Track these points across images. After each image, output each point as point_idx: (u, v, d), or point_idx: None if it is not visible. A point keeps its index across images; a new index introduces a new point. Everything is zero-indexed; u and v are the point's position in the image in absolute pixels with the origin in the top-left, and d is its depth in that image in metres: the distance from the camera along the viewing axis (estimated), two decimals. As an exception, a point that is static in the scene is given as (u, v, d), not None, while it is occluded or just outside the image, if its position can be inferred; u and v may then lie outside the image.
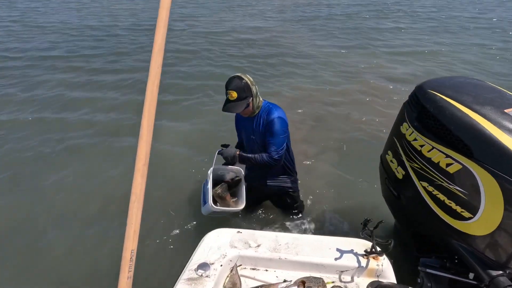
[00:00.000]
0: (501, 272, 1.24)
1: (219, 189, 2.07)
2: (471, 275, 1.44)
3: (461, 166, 1.25)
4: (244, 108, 1.85)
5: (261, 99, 1.96)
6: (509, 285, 1.17)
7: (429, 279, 1.50)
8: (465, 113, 1.24)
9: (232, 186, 2.19)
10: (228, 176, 2.19)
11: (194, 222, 2.43)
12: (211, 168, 2.01)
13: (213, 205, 1.92)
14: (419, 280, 1.55)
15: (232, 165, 2.07)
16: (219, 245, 1.30)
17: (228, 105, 1.85)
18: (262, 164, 1.92)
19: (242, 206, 2.04)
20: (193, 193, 2.68)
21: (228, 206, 2.09)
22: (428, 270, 1.47)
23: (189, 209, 2.56)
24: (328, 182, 2.84)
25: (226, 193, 2.11)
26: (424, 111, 1.42)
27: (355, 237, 1.33)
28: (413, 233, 1.72)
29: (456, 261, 1.47)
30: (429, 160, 1.39)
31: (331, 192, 2.72)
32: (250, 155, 1.97)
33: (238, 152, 2.00)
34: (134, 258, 0.73)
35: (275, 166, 1.96)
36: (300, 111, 4.24)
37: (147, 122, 0.78)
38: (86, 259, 2.17)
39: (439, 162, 1.34)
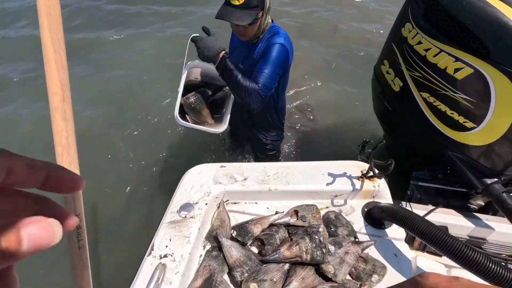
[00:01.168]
0: (495, 179, 1.21)
1: (191, 98, 1.57)
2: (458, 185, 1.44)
3: (472, 71, 1.08)
4: (248, 22, 1.31)
5: (270, 19, 1.47)
6: (504, 191, 1.15)
7: (419, 191, 1.50)
8: (488, 2, 1.00)
9: (217, 100, 1.68)
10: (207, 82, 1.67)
11: (172, 159, 2.25)
12: (187, 65, 1.49)
13: (178, 117, 1.47)
14: (408, 193, 1.55)
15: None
16: (201, 183, 1.17)
17: (228, 11, 1.29)
18: (242, 94, 1.38)
19: (221, 128, 1.56)
20: (167, 122, 2.42)
21: (204, 122, 1.62)
22: (420, 183, 1.44)
23: (165, 143, 2.34)
24: (318, 105, 2.65)
25: (203, 105, 1.60)
26: (433, 5, 1.16)
27: (348, 159, 1.23)
28: (406, 148, 1.66)
29: (448, 172, 1.44)
30: (434, 67, 1.20)
31: (322, 116, 2.56)
32: (235, 70, 1.35)
33: (223, 52, 1.34)
34: (83, 222, 0.53)
35: (254, 107, 1.43)
36: (281, 20, 3.72)
37: (50, 35, 0.49)
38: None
39: (446, 68, 1.16)
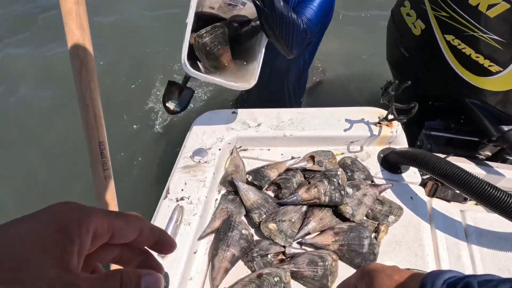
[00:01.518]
0: (512, 126, 1.19)
1: (206, 36, 1.04)
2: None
3: (508, 6, 0.99)
4: None
5: None
6: (520, 138, 1.14)
7: (429, 141, 1.48)
8: None
9: (242, 39, 1.15)
10: (231, 13, 1.15)
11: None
12: None
13: (187, 64, 0.98)
14: (418, 143, 1.54)
15: None
16: (213, 129, 1.13)
17: None
18: (284, 28, 1.01)
19: (247, 84, 1.04)
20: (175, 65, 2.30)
21: (223, 71, 1.11)
22: (432, 133, 1.42)
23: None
24: (327, 57, 2.51)
25: (222, 47, 1.07)
26: None
27: (365, 105, 1.18)
28: (420, 97, 1.61)
29: (461, 121, 1.41)
30: (463, 4, 1.10)
31: (331, 68, 2.43)
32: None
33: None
34: (106, 152, 0.49)
35: (295, 49, 1.10)
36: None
37: None
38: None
39: (478, 4, 1.06)
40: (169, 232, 0.86)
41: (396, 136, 1.12)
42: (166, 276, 0.81)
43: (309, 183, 0.97)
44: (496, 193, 0.78)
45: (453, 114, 1.43)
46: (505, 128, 1.20)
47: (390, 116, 1.06)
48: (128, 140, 2.01)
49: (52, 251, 0.19)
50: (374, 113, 1.15)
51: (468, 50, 1.17)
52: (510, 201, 0.77)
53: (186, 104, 1.20)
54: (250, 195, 0.99)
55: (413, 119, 1.61)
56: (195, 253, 0.90)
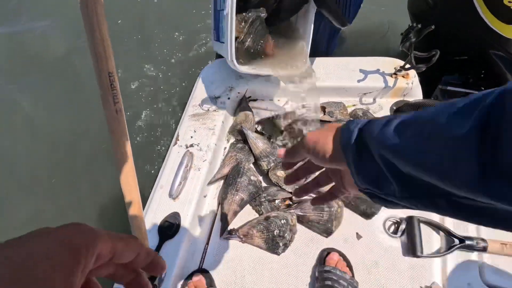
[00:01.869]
0: (537, 79, 1.13)
1: (246, 39, 0.91)
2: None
3: None
4: None
5: None
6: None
7: (444, 96, 1.43)
8: None
9: (282, 11, 0.92)
10: None
11: (189, 54, 2.13)
12: None
13: (237, 65, 0.87)
14: (432, 98, 1.49)
15: None
16: (223, 78, 1.10)
17: None
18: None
19: (302, 67, 0.93)
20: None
21: (270, 58, 0.95)
22: (449, 88, 1.36)
23: (182, 38, 2.19)
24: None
25: (265, 39, 0.93)
26: None
27: (379, 55, 1.12)
28: (441, 49, 1.52)
29: (482, 75, 1.35)
30: None
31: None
32: None
33: None
34: (116, 84, 0.48)
35: (352, 21, 1.01)
36: None
37: None
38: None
39: None
40: (179, 176, 0.89)
41: (412, 88, 1.08)
42: (178, 215, 0.85)
43: (319, 133, 0.97)
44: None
45: (474, 68, 1.36)
46: (528, 80, 1.14)
47: (408, 66, 1.01)
48: (139, 86, 1.99)
49: (61, 270, 0.21)
50: (391, 63, 1.10)
51: (500, -6, 1.07)
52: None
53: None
54: (259, 143, 0.99)
55: (430, 74, 1.55)
56: (205, 197, 0.94)
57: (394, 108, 1.09)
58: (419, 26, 0.92)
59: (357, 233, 0.88)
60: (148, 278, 0.77)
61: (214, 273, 0.84)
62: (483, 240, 0.83)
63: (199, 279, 0.79)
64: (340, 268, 0.78)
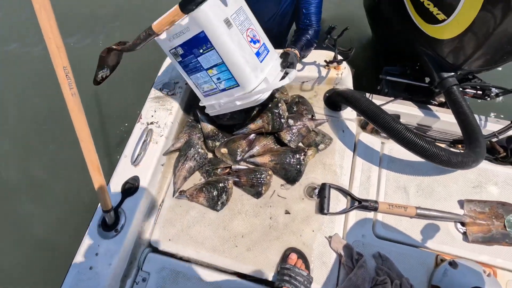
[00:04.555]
0: (452, 73, 1.31)
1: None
2: (427, 80, 1.55)
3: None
4: None
5: None
6: (455, 84, 1.27)
7: (388, 86, 1.62)
8: None
9: None
10: None
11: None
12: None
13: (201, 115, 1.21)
14: (378, 87, 1.68)
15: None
16: (182, 65, 1.28)
17: None
18: (307, 52, 1.22)
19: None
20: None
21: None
22: (388, 77, 1.55)
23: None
24: None
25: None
26: None
27: (318, 49, 1.30)
28: (384, 43, 1.69)
29: (417, 67, 1.53)
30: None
31: None
32: (298, 45, 1.16)
33: (294, 50, 1.12)
34: (70, 74, 0.70)
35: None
36: None
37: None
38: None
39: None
40: (139, 146, 1.10)
41: (342, 78, 1.27)
42: (138, 178, 1.07)
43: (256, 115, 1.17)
44: (396, 125, 0.97)
45: (410, 61, 1.54)
46: (445, 74, 1.32)
47: (334, 61, 1.19)
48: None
49: None
50: (323, 55, 1.28)
51: (422, -3, 1.24)
52: (407, 133, 0.97)
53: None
54: (207, 124, 1.20)
55: (377, 65, 1.72)
56: (162, 165, 1.15)
57: (327, 95, 1.29)
58: (335, 26, 1.09)
59: (286, 210, 1.09)
60: (111, 225, 1.01)
61: (167, 225, 1.07)
62: (375, 202, 1.06)
63: None
64: (298, 266, 0.94)
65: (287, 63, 1.05)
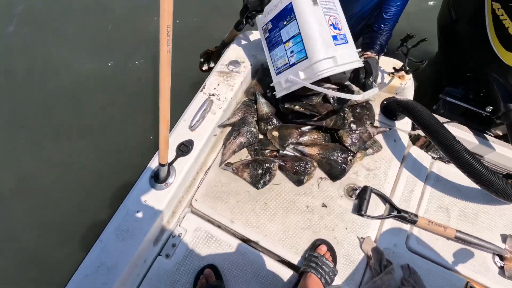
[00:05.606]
0: (521, 107, 1.26)
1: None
2: (489, 109, 1.49)
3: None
4: None
5: None
6: (521, 118, 1.22)
7: (445, 107, 1.58)
8: None
9: None
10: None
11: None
12: None
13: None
14: (434, 107, 1.64)
15: None
16: (250, 46, 1.34)
17: None
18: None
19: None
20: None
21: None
22: (448, 98, 1.51)
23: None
24: None
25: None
26: None
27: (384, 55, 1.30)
28: (451, 62, 1.64)
29: (481, 94, 1.47)
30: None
31: None
32: (375, 49, 1.19)
33: (373, 54, 1.16)
34: (171, 33, 0.78)
35: None
36: None
37: None
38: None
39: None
40: (199, 114, 1.17)
41: (404, 89, 1.26)
42: (192, 142, 1.14)
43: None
44: (456, 145, 0.96)
45: (476, 85, 1.49)
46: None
47: (402, 70, 1.19)
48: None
49: None
50: (390, 63, 1.27)
51: (507, 23, 1.19)
52: (466, 155, 0.96)
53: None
54: (264, 107, 1.24)
55: (438, 83, 1.69)
56: (215, 135, 1.22)
57: (385, 102, 1.29)
58: (414, 36, 1.08)
59: (323, 203, 1.12)
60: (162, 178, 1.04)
61: (209, 191, 1.14)
62: (415, 215, 1.06)
63: (208, 273, 0.99)
64: (326, 257, 0.98)
65: (371, 79, 1.09)
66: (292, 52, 1.06)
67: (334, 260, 1.02)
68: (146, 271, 1.04)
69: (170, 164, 1.10)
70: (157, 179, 1.08)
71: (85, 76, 2.29)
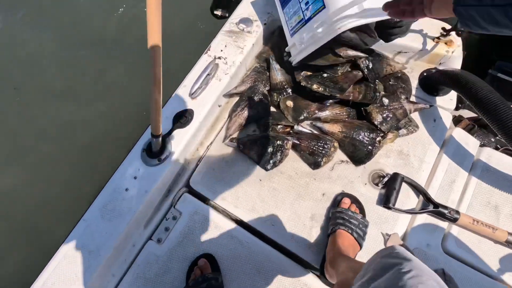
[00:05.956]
0: None
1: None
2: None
3: None
4: None
5: None
6: None
7: (493, 83, 1.33)
8: None
9: None
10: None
11: None
12: None
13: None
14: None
15: None
16: (265, 3, 1.13)
17: None
18: None
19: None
20: None
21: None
22: (499, 75, 1.26)
23: None
24: None
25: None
26: None
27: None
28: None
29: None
30: None
31: None
32: None
33: None
34: None
35: None
36: None
37: None
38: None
39: None
40: (201, 79, 0.99)
41: (450, 58, 1.03)
42: (192, 112, 0.98)
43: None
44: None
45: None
46: None
47: (452, 33, 0.96)
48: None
49: None
50: (438, 26, 1.04)
51: None
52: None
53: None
54: (278, 75, 1.05)
55: (487, 56, 1.43)
56: (219, 106, 1.05)
57: (425, 74, 1.06)
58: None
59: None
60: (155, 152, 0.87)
61: (209, 169, 0.98)
62: (457, 212, 0.87)
63: (204, 263, 0.85)
64: (352, 210, 0.85)
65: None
66: (307, 3, 0.89)
67: (362, 212, 0.89)
68: (134, 257, 0.92)
69: (166, 136, 0.95)
70: (149, 152, 0.94)
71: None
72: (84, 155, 1.66)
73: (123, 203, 0.88)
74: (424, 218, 0.91)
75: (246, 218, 0.93)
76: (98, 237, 0.86)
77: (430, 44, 1.03)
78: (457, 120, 1.14)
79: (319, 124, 1.00)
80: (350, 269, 0.63)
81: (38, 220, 1.53)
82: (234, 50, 1.06)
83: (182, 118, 0.97)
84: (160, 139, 0.89)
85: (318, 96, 1.00)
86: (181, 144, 0.95)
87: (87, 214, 0.88)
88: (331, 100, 1.03)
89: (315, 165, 0.97)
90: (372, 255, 0.56)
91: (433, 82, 1.02)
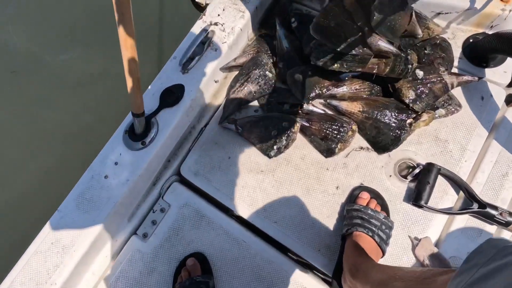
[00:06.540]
0: None
1: None
2: None
3: None
4: None
5: None
6: None
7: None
8: None
9: None
10: None
11: None
12: None
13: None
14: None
15: None
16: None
17: None
18: None
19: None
20: None
21: None
22: None
23: None
24: None
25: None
26: None
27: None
28: None
29: None
30: None
31: None
32: None
33: None
34: None
35: None
36: None
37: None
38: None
39: None
40: (193, 49, 0.84)
41: (506, 18, 0.81)
42: (182, 88, 0.83)
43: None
44: None
45: None
46: None
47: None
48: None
49: None
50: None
51: None
52: None
53: None
54: (285, 43, 0.87)
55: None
56: (216, 81, 0.89)
57: (471, 40, 0.85)
58: None
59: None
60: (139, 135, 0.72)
61: (203, 155, 0.84)
62: (510, 214, 0.68)
63: (193, 263, 0.73)
64: (372, 207, 0.70)
65: None
66: None
67: (385, 210, 0.73)
68: (116, 253, 0.81)
69: (150, 116, 0.81)
70: (132, 134, 0.80)
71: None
72: (71, 148, 1.51)
73: (101, 193, 0.77)
74: (464, 220, 0.73)
75: (244, 213, 0.79)
76: (73, 231, 0.75)
77: (480, 1, 0.81)
78: (509, 99, 0.92)
79: (334, 103, 0.82)
80: (393, 278, 0.47)
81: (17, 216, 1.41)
82: (234, 14, 0.89)
83: (171, 95, 0.83)
84: (144, 119, 0.75)
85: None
86: (170, 126, 0.81)
87: (63, 205, 0.77)
88: (349, 74, 0.84)
89: (328, 152, 0.80)
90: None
91: (483, 49, 0.80)
